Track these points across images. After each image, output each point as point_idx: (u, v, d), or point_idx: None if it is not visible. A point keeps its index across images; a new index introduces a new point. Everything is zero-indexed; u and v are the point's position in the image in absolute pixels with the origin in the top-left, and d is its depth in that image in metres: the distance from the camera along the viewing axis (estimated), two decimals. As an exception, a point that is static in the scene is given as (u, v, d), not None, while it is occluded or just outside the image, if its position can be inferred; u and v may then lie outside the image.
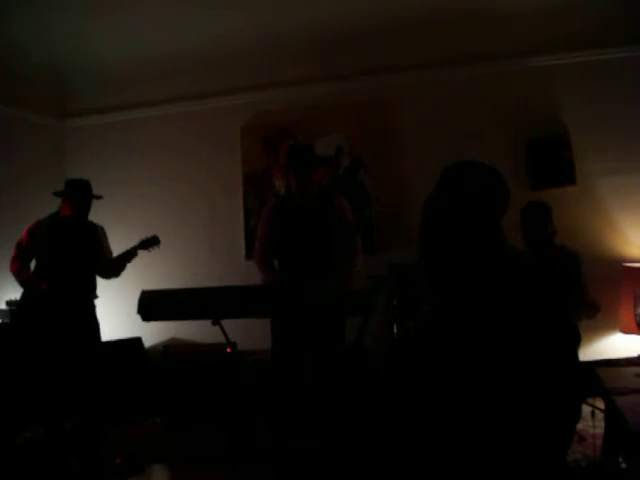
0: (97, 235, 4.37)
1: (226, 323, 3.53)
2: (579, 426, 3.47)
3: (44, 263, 4.20)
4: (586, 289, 3.88)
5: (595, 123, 4.92)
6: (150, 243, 4.32)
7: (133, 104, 6.02)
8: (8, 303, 5.01)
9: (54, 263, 4.15)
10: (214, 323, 3.44)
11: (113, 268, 4.38)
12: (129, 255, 4.30)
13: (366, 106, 5.45)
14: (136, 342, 5.47)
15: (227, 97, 5.76)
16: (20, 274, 4.19)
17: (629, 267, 4.54)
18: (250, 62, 5.60)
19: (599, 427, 3.18)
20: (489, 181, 1.81)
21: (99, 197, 4.29)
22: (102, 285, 4.46)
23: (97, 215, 4.44)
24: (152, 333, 5.45)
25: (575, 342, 3.69)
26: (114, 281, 4.55)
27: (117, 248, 4.44)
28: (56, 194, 4.24)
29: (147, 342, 5.56)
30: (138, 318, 3.62)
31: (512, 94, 5.11)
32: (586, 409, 3.44)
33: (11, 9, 4.50)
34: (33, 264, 4.26)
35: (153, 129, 6.03)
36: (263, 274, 4.02)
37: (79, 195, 4.19)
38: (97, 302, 4.39)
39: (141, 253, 4.36)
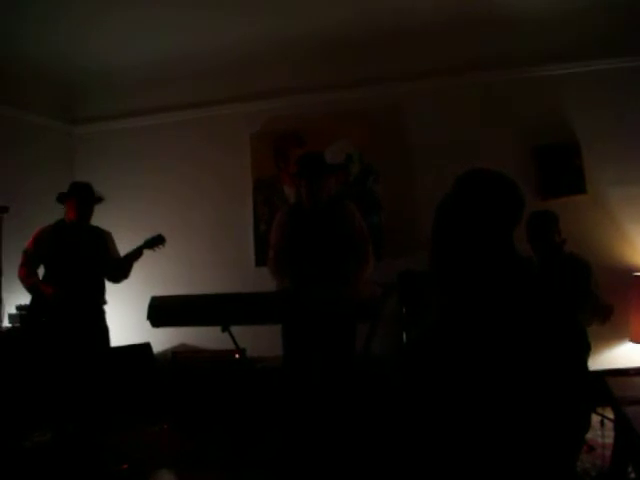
0: (103, 240, 4.39)
1: (235, 329, 3.54)
2: (588, 436, 3.44)
3: (52, 269, 4.23)
4: (597, 294, 3.81)
5: (606, 132, 4.91)
6: (155, 242, 4.29)
7: (143, 111, 6.06)
8: (18, 308, 5.04)
9: (61, 269, 4.18)
10: (224, 330, 3.45)
11: (120, 269, 4.35)
12: (135, 255, 4.27)
13: (375, 113, 5.47)
14: (145, 348, 5.48)
15: (237, 104, 5.78)
16: (27, 280, 4.22)
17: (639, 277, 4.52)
18: (260, 69, 5.64)
19: (608, 437, 3.17)
20: (504, 190, 1.80)
21: (100, 200, 4.31)
22: (112, 291, 4.47)
23: (105, 220, 4.47)
24: (161, 339, 5.46)
25: (584, 351, 3.67)
26: (123, 287, 4.56)
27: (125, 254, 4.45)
28: (59, 199, 4.26)
29: (156, 348, 5.57)
30: (147, 324, 3.63)
31: (523, 102, 5.12)
32: (595, 419, 3.43)
33: (22, 13, 4.54)
34: (41, 270, 4.30)
35: (162, 136, 6.06)
36: (278, 280, 4.03)
37: (81, 196, 4.22)
38: (107, 308, 4.40)
39: (150, 257, 4.36)
